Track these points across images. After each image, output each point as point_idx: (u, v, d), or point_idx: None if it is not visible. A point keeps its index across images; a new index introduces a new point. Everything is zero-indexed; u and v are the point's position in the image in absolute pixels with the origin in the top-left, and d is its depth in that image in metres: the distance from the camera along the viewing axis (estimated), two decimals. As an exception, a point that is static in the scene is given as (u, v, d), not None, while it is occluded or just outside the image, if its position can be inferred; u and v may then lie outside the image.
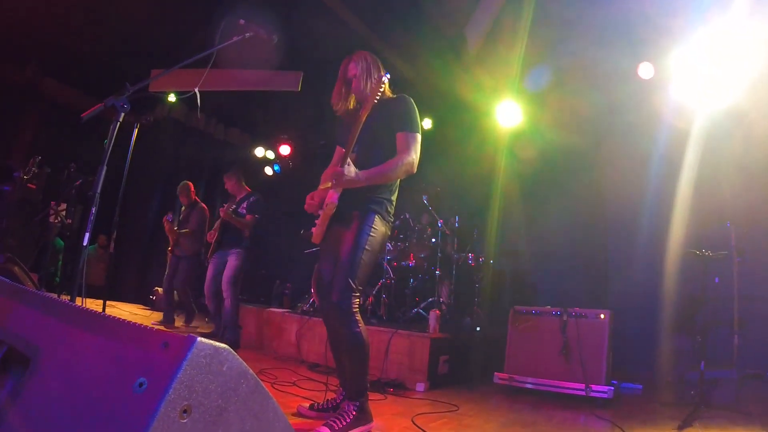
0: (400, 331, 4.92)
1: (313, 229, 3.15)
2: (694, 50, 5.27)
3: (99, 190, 2.67)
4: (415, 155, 3.01)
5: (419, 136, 3.06)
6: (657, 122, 5.95)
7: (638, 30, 5.41)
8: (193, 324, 7.04)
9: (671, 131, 5.85)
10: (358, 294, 2.92)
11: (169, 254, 6.59)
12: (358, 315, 2.92)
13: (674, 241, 5.59)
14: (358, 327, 2.89)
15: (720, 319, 4.65)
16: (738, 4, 4.72)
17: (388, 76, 3.09)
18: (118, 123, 2.75)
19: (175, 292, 6.69)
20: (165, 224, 6.62)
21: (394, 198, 3.17)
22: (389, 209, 3.12)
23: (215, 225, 6.15)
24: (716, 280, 4.62)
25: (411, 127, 3.05)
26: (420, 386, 4.51)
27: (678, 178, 5.76)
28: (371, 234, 2.98)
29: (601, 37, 5.44)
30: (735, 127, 5.38)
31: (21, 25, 6.94)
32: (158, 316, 6.99)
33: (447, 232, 6.52)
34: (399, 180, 3.14)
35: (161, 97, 8.80)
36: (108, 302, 5.80)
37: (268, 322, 6.41)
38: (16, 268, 4.29)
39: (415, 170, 3.03)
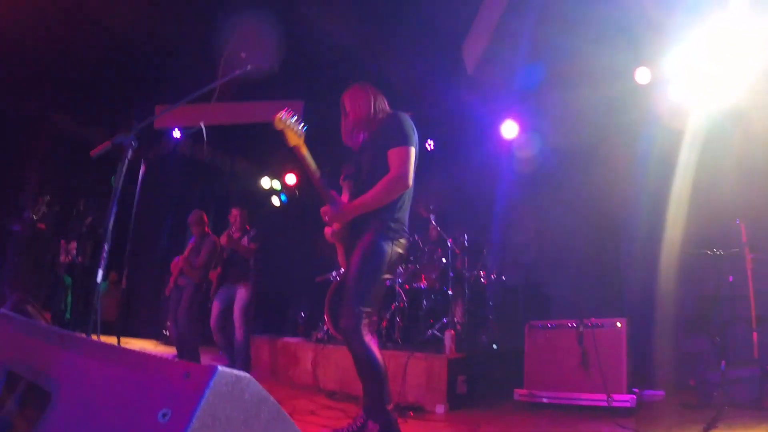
0: (416, 353, 4.89)
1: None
2: (692, 48, 5.27)
3: (111, 227, 2.69)
4: (404, 168, 2.95)
5: (409, 148, 3.00)
6: (664, 124, 5.93)
7: (636, 29, 5.42)
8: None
9: (677, 132, 5.83)
10: (367, 316, 2.89)
11: (172, 285, 6.46)
12: (368, 336, 2.88)
13: (684, 241, 5.55)
14: (369, 349, 2.86)
15: (737, 317, 4.59)
16: (736, 1, 4.73)
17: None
18: (127, 160, 2.77)
19: (177, 324, 6.20)
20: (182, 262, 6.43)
21: (399, 215, 3.09)
22: (393, 226, 3.04)
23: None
24: (730, 278, 4.57)
25: (398, 141, 3.01)
26: (439, 408, 4.47)
27: (683, 177, 5.74)
28: (373, 256, 2.95)
29: (599, 37, 5.44)
30: (744, 124, 5.36)
31: (28, 60, 7.06)
32: (172, 350, 6.95)
33: (457, 250, 6.49)
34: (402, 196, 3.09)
35: (167, 132, 8.90)
36: (122, 338, 5.77)
37: (283, 352, 6.39)
38: (29, 307, 4.30)
39: (410, 183, 2.98)
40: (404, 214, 3.11)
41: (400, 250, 3.07)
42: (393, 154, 2.99)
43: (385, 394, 2.94)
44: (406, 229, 3.12)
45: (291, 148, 2.98)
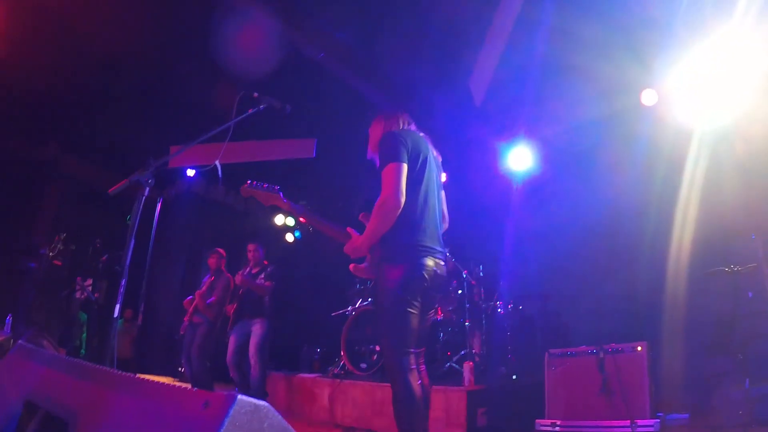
0: (434, 386, 4.79)
1: None
2: (696, 63, 5.29)
3: (128, 263, 2.71)
4: (390, 188, 2.81)
5: (394, 165, 2.86)
6: (672, 143, 5.91)
7: (641, 46, 5.44)
8: None
9: (685, 150, 5.80)
10: (405, 353, 2.76)
11: (186, 323, 6.42)
12: (413, 375, 2.74)
13: (699, 260, 5.48)
14: (407, 390, 2.71)
15: (758, 333, 4.49)
16: (739, 13, 4.74)
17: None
18: (144, 198, 2.80)
19: (191, 361, 6.22)
20: (197, 299, 6.42)
21: (407, 237, 2.89)
22: (401, 250, 2.88)
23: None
24: (749, 294, 4.48)
25: (384, 161, 2.90)
26: (460, 441, 4.38)
27: (693, 195, 5.71)
28: (388, 291, 2.83)
29: (605, 55, 5.46)
30: (747, 138, 5.32)
31: (41, 105, 7.23)
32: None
33: (472, 281, 6.46)
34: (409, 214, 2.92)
35: (181, 172, 9.03)
36: (137, 375, 5.74)
37: (299, 388, 6.34)
38: (44, 342, 4.34)
39: (399, 199, 2.80)
40: (417, 233, 2.92)
41: (422, 272, 2.85)
42: (382, 176, 2.89)
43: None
44: (428, 247, 2.91)
45: (271, 207, 3.24)
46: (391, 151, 2.92)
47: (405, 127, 3.23)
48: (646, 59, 5.57)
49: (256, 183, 3.20)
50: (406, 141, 2.98)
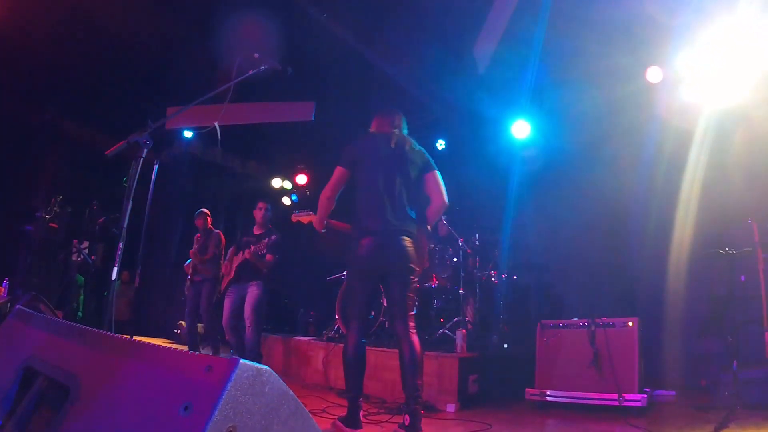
0: (427, 352, 4.85)
1: None
2: (700, 49, 5.25)
3: (125, 225, 2.71)
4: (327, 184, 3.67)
5: (336, 168, 3.65)
6: (672, 125, 5.90)
7: (645, 30, 5.40)
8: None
9: (685, 132, 5.79)
10: (351, 317, 3.63)
11: (188, 283, 6.47)
12: (350, 333, 3.55)
13: (695, 241, 5.52)
14: (346, 342, 3.54)
15: (750, 318, 4.55)
16: (744, 4, 4.70)
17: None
18: (142, 159, 2.79)
19: (202, 321, 6.42)
20: (192, 257, 6.50)
21: (352, 220, 3.65)
22: (350, 234, 3.65)
23: (229, 254, 6.18)
24: (742, 278, 4.53)
25: None
26: (450, 407, 4.46)
27: (692, 177, 5.72)
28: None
29: (608, 38, 5.41)
30: (749, 124, 5.32)
31: (39, 68, 7.13)
32: (183, 349, 6.94)
33: (468, 250, 6.48)
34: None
35: (178, 133, 8.95)
36: (134, 337, 5.78)
37: (295, 351, 6.41)
38: (41, 306, 4.34)
39: (326, 192, 3.64)
40: (362, 219, 3.57)
41: (360, 250, 3.50)
42: None
43: (348, 383, 3.55)
44: (366, 229, 3.53)
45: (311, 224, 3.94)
46: (340, 156, 3.67)
47: (380, 130, 3.81)
48: (649, 44, 5.53)
49: (300, 211, 4.10)
50: (354, 148, 3.68)
